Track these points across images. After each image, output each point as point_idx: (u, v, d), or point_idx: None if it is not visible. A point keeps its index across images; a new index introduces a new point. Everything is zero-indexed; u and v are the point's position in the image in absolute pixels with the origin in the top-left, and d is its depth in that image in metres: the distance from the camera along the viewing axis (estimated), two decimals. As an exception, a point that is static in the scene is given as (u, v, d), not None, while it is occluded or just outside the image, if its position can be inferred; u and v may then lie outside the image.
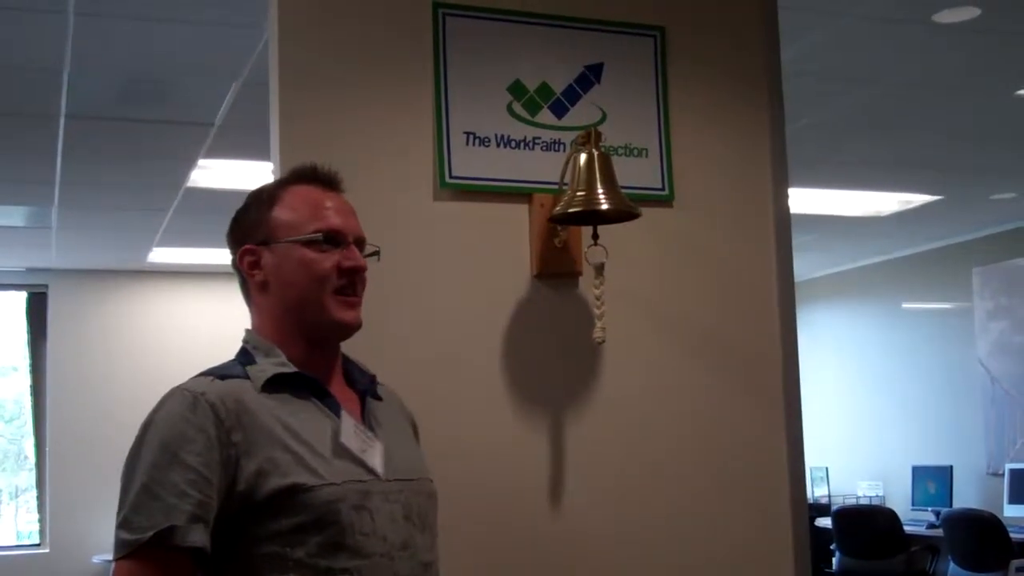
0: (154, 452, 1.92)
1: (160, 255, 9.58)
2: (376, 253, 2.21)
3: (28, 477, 10.45)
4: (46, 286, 10.22)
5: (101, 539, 9.75)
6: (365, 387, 2.19)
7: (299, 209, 2.12)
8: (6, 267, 10.09)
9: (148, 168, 6.81)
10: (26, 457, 10.49)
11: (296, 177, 2.19)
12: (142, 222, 8.34)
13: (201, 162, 6.64)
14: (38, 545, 10.17)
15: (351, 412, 2.10)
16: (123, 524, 1.90)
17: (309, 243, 2.08)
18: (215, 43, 4.76)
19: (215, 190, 7.18)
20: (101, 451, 9.60)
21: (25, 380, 10.42)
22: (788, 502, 3.06)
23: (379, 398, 2.22)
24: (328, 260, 2.08)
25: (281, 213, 2.12)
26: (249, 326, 2.18)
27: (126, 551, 1.88)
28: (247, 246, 2.14)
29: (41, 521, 10.19)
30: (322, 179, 2.18)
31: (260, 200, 2.18)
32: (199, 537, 1.88)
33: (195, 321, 10.20)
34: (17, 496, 10.68)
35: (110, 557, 8.18)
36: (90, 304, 10.19)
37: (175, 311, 10.36)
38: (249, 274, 2.14)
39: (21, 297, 10.42)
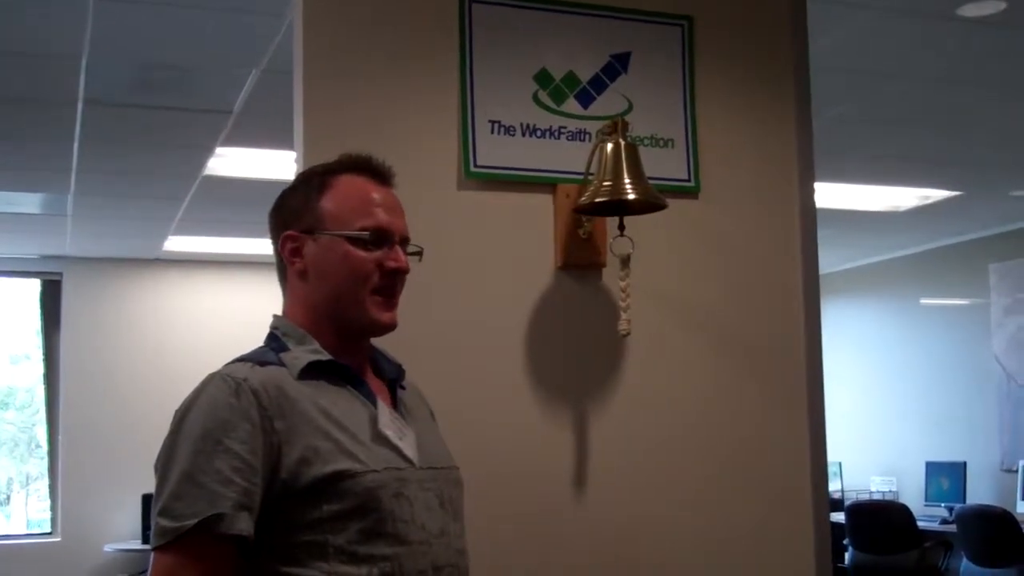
0: (195, 438, 1.89)
1: (176, 244, 9.56)
2: (419, 253, 2.19)
3: (39, 465, 10.46)
4: (60, 274, 10.20)
5: (113, 527, 9.76)
6: (394, 376, 2.19)
7: (348, 201, 2.08)
8: (21, 254, 10.08)
9: (165, 156, 6.79)
10: (38, 445, 10.49)
11: (349, 165, 2.14)
12: (158, 210, 8.32)
13: (219, 150, 6.62)
14: (49, 533, 10.17)
15: (383, 400, 2.09)
16: (164, 512, 1.87)
17: (355, 240, 2.06)
18: (235, 30, 4.74)
19: (232, 178, 7.17)
20: (114, 439, 9.63)
21: (38, 368, 10.42)
22: (810, 496, 3.05)
23: (402, 387, 2.22)
24: (371, 259, 2.06)
25: (329, 203, 2.09)
26: (278, 311, 2.16)
27: (168, 539, 1.85)
28: (290, 232, 2.10)
29: (52, 509, 10.19)
30: (375, 172, 2.14)
31: (309, 184, 2.14)
32: (244, 525, 1.87)
33: (210, 310, 10.19)
34: (28, 484, 10.69)
35: (122, 545, 8.17)
36: (105, 292, 10.18)
37: (190, 300, 10.34)
38: (290, 260, 2.11)
39: (35, 285, 10.41)
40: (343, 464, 1.93)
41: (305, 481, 1.91)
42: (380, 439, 2.01)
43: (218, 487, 1.85)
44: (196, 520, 1.83)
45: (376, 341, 2.21)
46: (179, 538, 1.84)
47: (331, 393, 2.02)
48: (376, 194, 2.11)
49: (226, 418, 1.90)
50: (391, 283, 2.09)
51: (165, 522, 1.86)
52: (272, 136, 5.61)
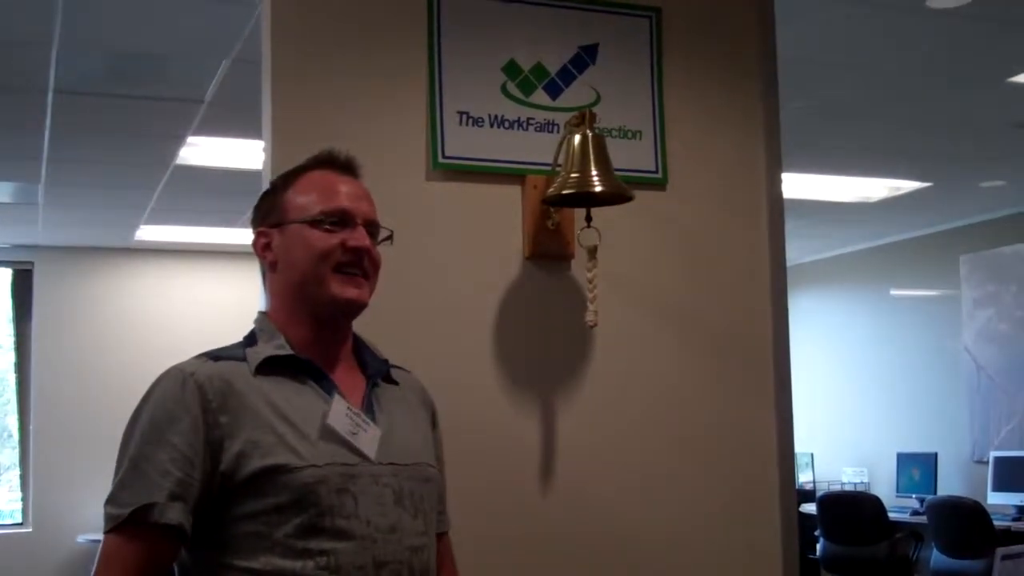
0: (144, 430, 1.97)
1: (147, 233, 9.53)
2: (389, 238, 2.22)
3: (11, 455, 10.40)
4: (32, 263, 10.16)
5: (85, 518, 9.71)
6: (376, 371, 2.20)
7: (311, 192, 2.14)
8: (-8, 244, 10.04)
9: (136, 145, 6.77)
10: (10, 435, 10.44)
11: (313, 163, 2.21)
12: (130, 199, 8.30)
13: (190, 139, 6.60)
14: (21, 524, 10.12)
15: (351, 395, 2.10)
16: (110, 499, 1.97)
17: (315, 223, 2.10)
18: (206, 19, 4.72)
19: (204, 168, 7.15)
20: (86, 429, 9.58)
21: (9, 357, 10.37)
22: (777, 486, 3.06)
23: (394, 382, 2.24)
24: (333, 238, 2.10)
25: (293, 196, 2.15)
26: (251, 301, 2.23)
27: (111, 525, 1.94)
28: (260, 228, 2.18)
29: (24, 500, 10.14)
30: (337, 163, 2.21)
31: (278, 185, 2.21)
32: (176, 515, 1.93)
33: (182, 299, 10.17)
34: (0, 475, 10.64)
35: (94, 536, 8.17)
36: (76, 282, 10.14)
37: (162, 289, 10.31)
38: (262, 256, 2.18)
39: (6, 274, 10.36)
40: (281, 458, 1.96)
41: (244, 474, 1.95)
42: (328, 434, 2.02)
43: (156, 477, 1.94)
44: (131, 509, 1.92)
45: (365, 335, 2.24)
46: (121, 526, 1.93)
47: (288, 388, 2.05)
48: (339, 183, 2.17)
49: (170, 410, 1.97)
50: (354, 260, 2.11)
51: (109, 509, 1.96)
52: (244, 125, 5.57)
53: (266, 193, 2.24)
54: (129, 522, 1.92)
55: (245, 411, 1.98)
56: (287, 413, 2.00)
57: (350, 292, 2.10)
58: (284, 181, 2.20)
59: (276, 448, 1.96)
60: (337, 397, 2.07)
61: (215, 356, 2.06)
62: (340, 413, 2.05)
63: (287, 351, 2.08)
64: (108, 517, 1.95)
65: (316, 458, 1.98)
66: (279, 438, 1.97)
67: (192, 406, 1.96)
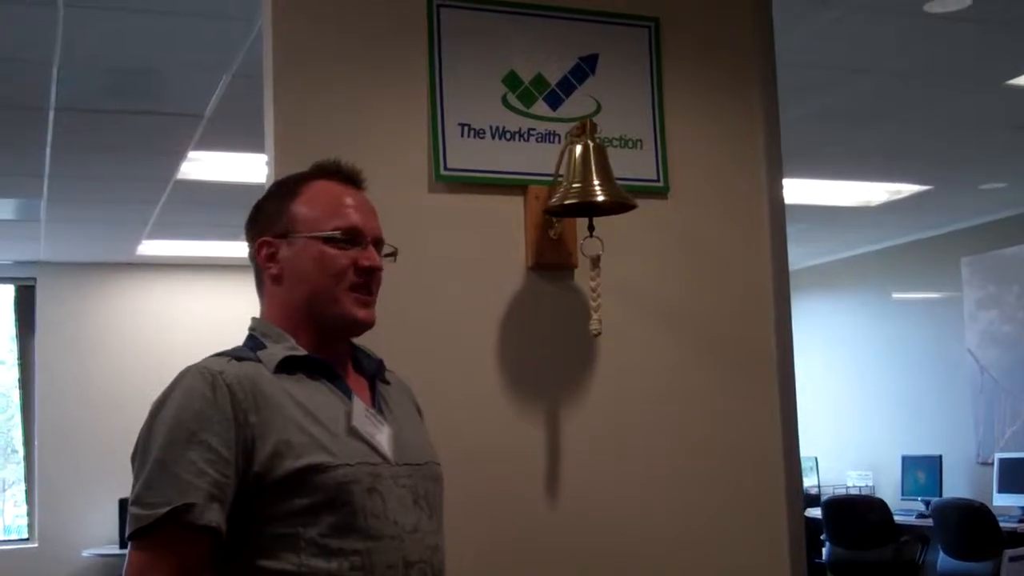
0: (170, 429, 1.91)
1: (149, 248, 9.54)
2: (393, 254, 2.23)
3: (16, 471, 10.41)
4: (35, 279, 10.18)
5: (90, 533, 9.73)
6: (374, 371, 2.21)
7: (320, 204, 2.12)
8: (-6, 260, 10.05)
9: (138, 160, 6.78)
10: (14, 450, 10.45)
11: (319, 172, 2.18)
12: (131, 215, 8.31)
13: (191, 154, 6.62)
14: (27, 539, 10.13)
15: (361, 396, 2.11)
16: (136, 501, 1.89)
17: (328, 239, 2.09)
18: (206, 35, 4.74)
19: (205, 182, 7.17)
20: (90, 444, 9.60)
21: (13, 373, 10.38)
22: (784, 491, 3.06)
23: (387, 382, 2.24)
24: (345, 257, 2.09)
25: (302, 207, 2.12)
26: (256, 315, 2.18)
27: (138, 526, 1.87)
28: (265, 238, 2.14)
29: (30, 515, 10.15)
30: (345, 176, 2.18)
31: (281, 192, 2.18)
32: (215, 516, 1.88)
33: (184, 314, 10.17)
34: (4, 490, 10.64)
35: (100, 551, 8.15)
36: (79, 297, 10.15)
37: (164, 304, 10.32)
38: (265, 266, 2.14)
39: (9, 290, 10.38)
40: (316, 458, 1.94)
41: (278, 474, 1.92)
42: (354, 434, 2.02)
43: (190, 477, 1.87)
44: (167, 509, 1.85)
45: (370, 346, 2.23)
46: (151, 528, 1.86)
47: (307, 387, 2.04)
48: (348, 197, 2.15)
49: (201, 410, 1.92)
50: (366, 281, 2.11)
51: (137, 510, 1.88)
52: (244, 140, 5.61)
53: (267, 199, 2.20)
54: (165, 524, 1.85)
55: (274, 411, 1.95)
56: (313, 411, 1.99)
57: (363, 313, 2.11)
58: (289, 189, 2.17)
59: (309, 447, 1.94)
60: (356, 398, 2.08)
61: (236, 356, 2.03)
62: (360, 413, 2.06)
63: (302, 352, 2.06)
64: (136, 518, 1.87)
65: (348, 457, 1.97)
66: (311, 438, 1.95)
67: (224, 405, 1.92)
